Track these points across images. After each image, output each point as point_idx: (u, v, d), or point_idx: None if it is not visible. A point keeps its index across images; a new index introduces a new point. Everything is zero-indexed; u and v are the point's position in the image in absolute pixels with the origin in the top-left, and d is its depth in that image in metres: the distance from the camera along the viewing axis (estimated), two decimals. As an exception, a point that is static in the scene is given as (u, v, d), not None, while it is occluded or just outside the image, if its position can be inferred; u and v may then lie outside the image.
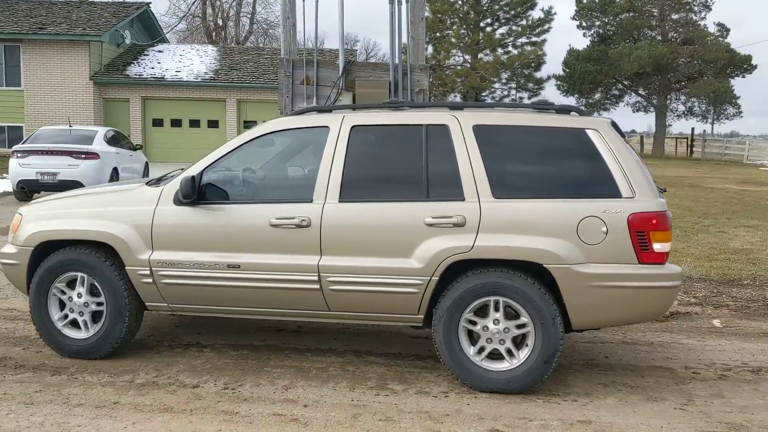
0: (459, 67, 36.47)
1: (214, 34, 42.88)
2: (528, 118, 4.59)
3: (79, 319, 4.83)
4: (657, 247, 4.23)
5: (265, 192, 4.85)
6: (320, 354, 5.07)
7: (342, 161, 4.54)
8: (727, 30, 40.68)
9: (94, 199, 5.09)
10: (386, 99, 7.87)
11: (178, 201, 4.64)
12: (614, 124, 4.52)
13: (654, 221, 4.22)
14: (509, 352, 4.36)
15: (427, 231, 4.35)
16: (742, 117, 43.24)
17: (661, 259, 4.26)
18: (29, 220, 4.92)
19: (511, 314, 4.35)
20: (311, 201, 4.51)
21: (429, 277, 4.35)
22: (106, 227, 4.70)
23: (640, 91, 43.81)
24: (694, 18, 41.54)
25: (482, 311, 4.38)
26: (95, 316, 4.84)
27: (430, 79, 13.65)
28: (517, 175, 4.50)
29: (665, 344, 5.49)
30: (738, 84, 40.42)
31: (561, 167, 4.45)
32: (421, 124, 4.57)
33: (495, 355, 4.40)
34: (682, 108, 43.86)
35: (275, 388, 4.40)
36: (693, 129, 43.85)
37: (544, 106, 4.75)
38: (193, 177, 4.57)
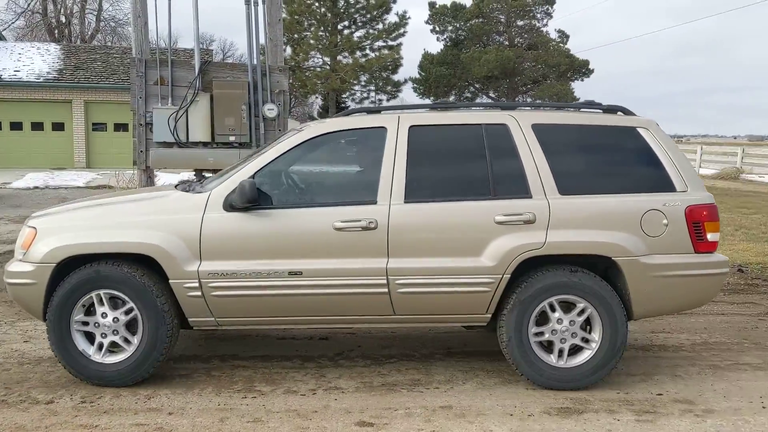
0: (319, 69, 36.57)
1: (56, 31, 40.21)
2: (582, 117, 4.74)
3: (106, 342, 4.39)
4: (710, 236, 4.47)
5: (324, 195, 4.68)
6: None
7: (404, 161, 4.46)
8: (567, 36, 43.69)
9: (124, 208, 4.62)
10: (245, 100, 7.81)
11: (229, 207, 4.33)
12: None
13: (706, 213, 4.46)
14: (581, 343, 4.45)
15: (498, 229, 4.36)
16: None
17: (713, 248, 4.51)
18: (47, 233, 4.37)
19: (568, 308, 4.44)
20: (375, 203, 4.39)
21: (501, 275, 4.35)
22: (146, 238, 4.28)
23: (490, 94, 46.00)
24: (537, 25, 44.26)
25: (551, 308, 4.43)
26: (128, 337, 4.39)
27: (290, 81, 13.63)
28: (579, 171, 4.56)
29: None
30: (578, 87, 43.55)
31: (617, 164, 4.63)
32: (479, 124, 4.59)
33: (572, 350, 4.48)
34: (528, 110, 46.55)
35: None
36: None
37: (592, 106, 4.92)
38: (252, 181, 4.27)
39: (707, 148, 33.86)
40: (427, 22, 44.70)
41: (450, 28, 44.67)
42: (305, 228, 4.35)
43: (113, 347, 4.41)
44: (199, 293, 4.32)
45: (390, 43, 37.40)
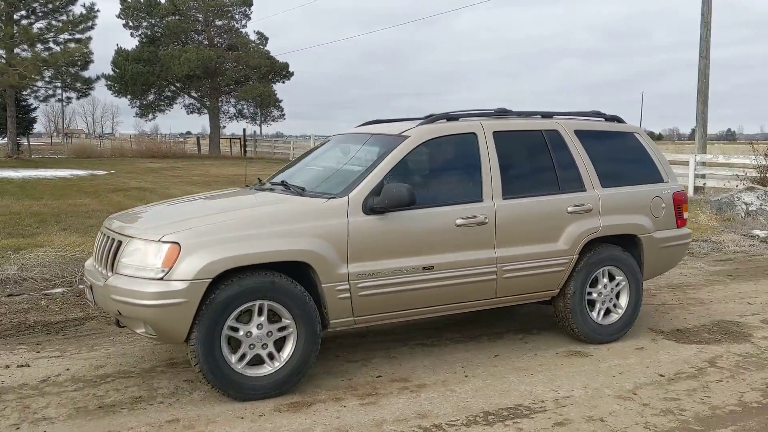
0: (-9, 63, 32.23)
1: None
2: (601, 124, 5.89)
3: (250, 354, 4.26)
4: (684, 215, 5.95)
5: (440, 195, 4.97)
6: None
7: (497, 162, 5.10)
8: (266, 39, 44.45)
9: (264, 216, 4.50)
10: None
11: (369, 210, 4.55)
12: None
13: (683, 197, 5.94)
14: (613, 306, 5.56)
15: (569, 218, 5.29)
16: (285, 119, 47.77)
17: (685, 223, 5.98)
18: (194, 248, 4.07)
19: (611, 277, 5.55)
20: (482, 200, 4.98)
21: (573, 256, 5.28)
22: (300, 245, 4.32)
23: (192, 94, 44.94)
24: (236, 25, 44.31)
25: (601, 275, 5.48)
26: (278, 347, 4.35)
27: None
28: (609, 168, 5.60)
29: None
30: (280, 89, 44.54)
31: (628, 161, 5.85)
32: (539, 130, 5.45)
33: (607, 311, 5.55)
34: (233, 110, 46.46)
35: None
36: (244, 130, 46.93)
37: (598, 115, 5.99)
38: (408, 187, 4.51)
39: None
40: (119, 17, 42.05)
41: (145, 24, 42.62)
42: (433, 226, 4.78)
43: (254, 360, 4.30)
44: (347, 294, 4.49)
45: (77, 36, 34.45)
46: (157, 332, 4.14)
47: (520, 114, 5.64)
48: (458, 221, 4.86)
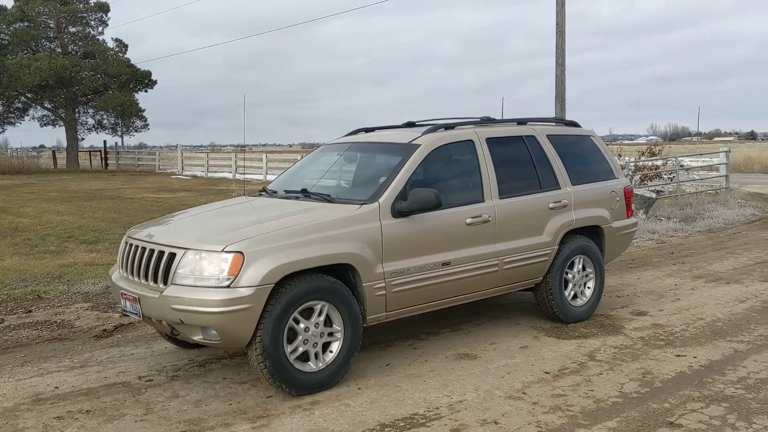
0: None
1: None
2: (564, 129, 6.61)
3: (311, 351, 4.60)
4: (632, 207, 6.82)
5: (450, 197, 5.36)
6: None
7: (492, 166, 5.65)
8: (126, 46, 42.35)
9: (310, 223, 4.73)
10: None
11: (397, 213, 4.96)
12: None
13: (630, 191, 6.80)
14: (580, 292, 6.36)
15: (550, 213, 5.95)
16: (149, 129, 45.63)
17: (632, 214, 6.85)
18: (257, 256, 4.34)
19: (583, 266, 6.32)
20: (483, 201, 5.53)
21: (555, 246, 5.96)
22: (347, 248, 4.68)
23: (46, 105, 42.08)
24: (92, 32, 41.97)
25: (576, 263, 6.24)
26: (318, 352, 4.64)
27: None
28: (574, 167, 6.30)
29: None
30: (142, 97, 42.58)
31: (588, 161, 6.59)
32: (520, 136, 6.08)
33: (575, 296, 6.33)
34: (91, 121, 43.83)
35: None
36: (105, 142, 44.50)
37: (558, 120, 6.98)
38: (435, 191, 4.98)
39: (271, 156, 36.51)
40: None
41: (-11, 30, 39.41)
42: (448, 225, 5.25)
43: (302, 356, 4.58)
44: (383, 292, 4.87)
45: None
46: (223, 337, 4.34)
47: (500, 121, 6.36)
48: (468, 220, 5.39)
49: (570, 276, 6.22)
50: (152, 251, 4.67)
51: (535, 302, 6.36)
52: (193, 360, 5.35)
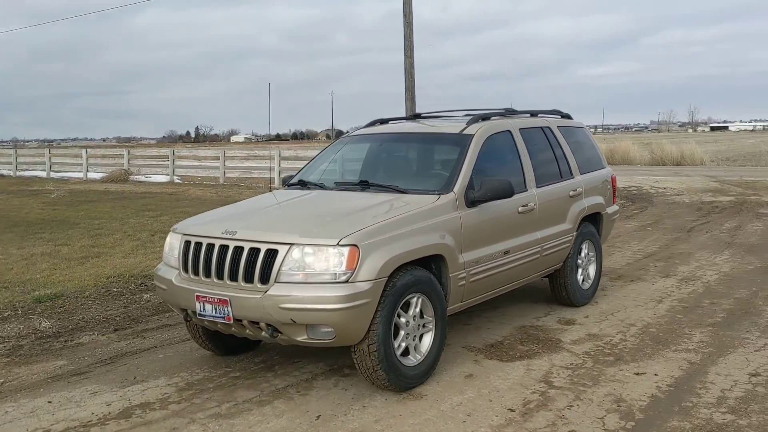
0: None
1: None
2: (567, 122, 6.78)
3: (411, 345, 4.48)
4: (615, 194, 7.19)
5: None
6: None
7: (528, 156, 5.77)
8: None
9: (399, 215, 4.52)
10: None
11: (470, 203, 4.94)
12: None
13: (615, 179, 7.18)
14: (587, 275, 6.64)
15: (570, 201, 6.22)
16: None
17: (615, 200, 7.23)
18: (371, 248, 4.15)
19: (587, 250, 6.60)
20: (526, 189, 5.63)
21: (575, 233, 6.23)
22: (438, 239, 4.61)
23: None
24: None
25: (580, 251, 6.46)
26: (416, 344, 4.54)
27: None
28: (579, 157, 6.53)
29: None
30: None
31: (585, 151, 6.76)
32: (541, 127, 6.25)
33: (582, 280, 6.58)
34: None
35: None
36: None
37: (556, 113, 6.82)
38: (508, 180, 5.06)
39: (92, 151, 33.23)
40: None
41: None
42: (506, 214, 5.29)
43: (403, 351, 4.43)
44: (464, 282, 4.86)
45: None
46: (339, 334, 4.10)
47: (519, 113, 6.33)
48: (519, 209, 5.45)
49: (579, 261, 6.42)
50: (240, 249, 4.27)
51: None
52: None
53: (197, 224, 4.87)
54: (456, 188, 4.94)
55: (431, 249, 4.56)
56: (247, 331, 4.38)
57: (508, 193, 5.05)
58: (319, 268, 4.10)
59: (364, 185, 5.28)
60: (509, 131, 5.76)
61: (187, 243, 4.61)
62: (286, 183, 5.91)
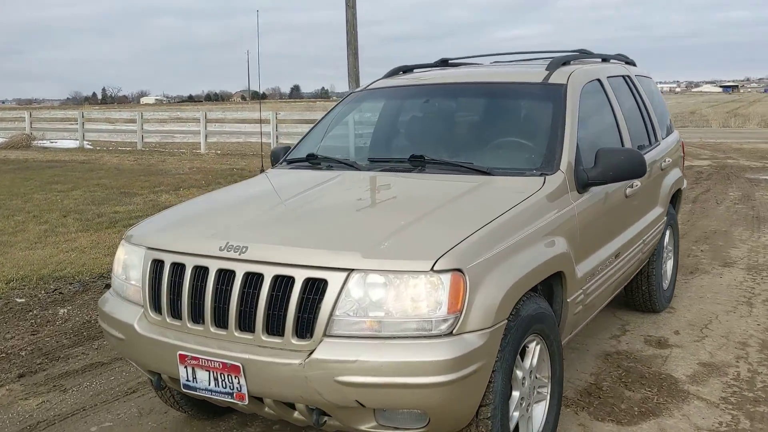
0: None
1: None
2: (638, 70, 5.08)
3: (525, 417, 2.83)
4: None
5: None
6: None
7: (621, 114, 4.16)
8: None
9: (502, 215, 2.78)
10: None
11: (582, 186, 3.31)
12: None
13: (683, 145, 5.72)
14: (665, 274, 5.12)
15: (662, 174, 4.65)
16: None
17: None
18: (482, 272, 2.47)
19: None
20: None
21: (665, 218, 4.69)
22: (556, 249, 2.95)
23: None
24: None
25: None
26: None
27: None
28: (657, 116, 4.96)
29: None
30: None
31: (659, 109, 5.11)
32: (622, 75, 4.58)
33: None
34: None
35: None
36: None
37: (621, 57, 5.04)
38: (640, 153, 3.55)
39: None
40: None
41: None
42: (615, 200, 3.70)
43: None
44: (580, 308, 3.29)
45: None
46: (437, 420, 2.44)
47: (591, 55, 4.50)
48: (627, 191, 3.86)
49: (664, 255, 5.00)
50: (257, 277, 2.52)
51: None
52: None
53: (170, 230, 3.05)
54: (563, 165, 3.29)
55: (554, 265, 2.95)
56: (269, 411, 2.66)
57: (638, 171, 3.36)
58: (400, 312, 2.40)
59: (417, 163, 3.45)
60: (599, 80, 4.11)
61: (157, 263, 2.79)
62: (280, 158, 4.03)
